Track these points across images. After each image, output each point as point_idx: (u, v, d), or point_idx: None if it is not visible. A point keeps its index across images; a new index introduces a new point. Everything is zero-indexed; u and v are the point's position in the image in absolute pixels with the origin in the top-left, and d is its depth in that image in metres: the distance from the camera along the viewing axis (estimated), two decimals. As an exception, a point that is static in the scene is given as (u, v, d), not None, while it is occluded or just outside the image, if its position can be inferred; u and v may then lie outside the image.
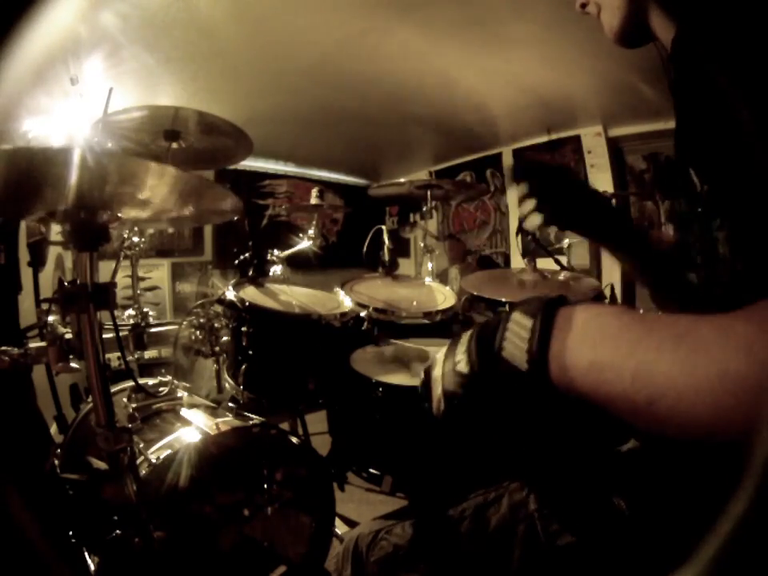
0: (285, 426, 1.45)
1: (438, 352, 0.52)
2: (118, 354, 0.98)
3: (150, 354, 2.05)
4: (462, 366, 0.45)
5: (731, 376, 0.30)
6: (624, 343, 0.37)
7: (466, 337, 0.48)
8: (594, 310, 0.40)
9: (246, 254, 1.49)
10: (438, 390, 0.48)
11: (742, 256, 0.52)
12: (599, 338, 0.38)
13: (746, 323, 0.32)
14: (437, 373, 0.49)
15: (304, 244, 1.76)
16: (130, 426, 0.85)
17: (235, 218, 1.58)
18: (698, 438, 0.34)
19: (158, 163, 0.72)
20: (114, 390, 1.19)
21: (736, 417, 0.30)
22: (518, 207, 0.80)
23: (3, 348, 0.83)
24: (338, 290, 1.43)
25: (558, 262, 1.83)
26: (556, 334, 0.40)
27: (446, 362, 0.48)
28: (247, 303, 1.23)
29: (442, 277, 2.98)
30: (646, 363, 0.35)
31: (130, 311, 1.84)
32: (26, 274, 1.67)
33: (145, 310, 1.80)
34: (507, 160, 4.12)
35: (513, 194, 4.12)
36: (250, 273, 1.44)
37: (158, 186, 0.76)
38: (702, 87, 0.55)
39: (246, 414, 1.15)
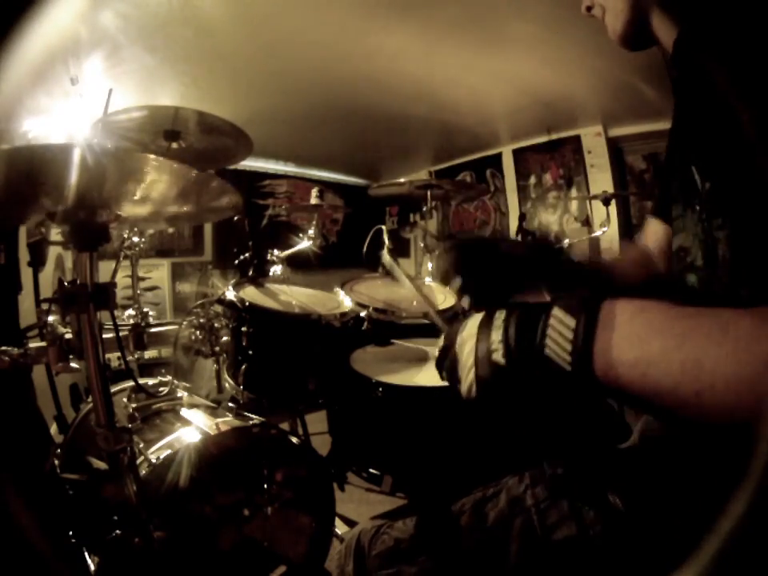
0: (285, 426, 1.45)
1: (462, 327, 0.51)
2: (118, 354, 0.98)
3: (150, 354, 2.05)
4: (499, 356, 0.45)
5: None
6: (671, 337, 0.37)
7: (500, 321, 0.47)
8: (637, 305, 0.41)
9: (246, 254, 1.49)
10: (470, 375, 0.48)
11: (743, 256, 0.52)
12: (645, 334, 0.38)
13: None
14: (467, 356, 0.49)
15: (304, 244, 1.76)
16: (129, 426, 0.85)
17: (235, 218, 1.59)
18: (740, 424, 0.34)
19: (156, 156, 0.72)
20: (114, 390, 1.19)
21: None
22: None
23: (3, 348, 0.83)
24: (337, 289, 1.43)
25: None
26: (600, 332, 0.40)
27: (479, 345, 0.47)
28: (247, 303, 1.23)
29: (442, 277, 2.97)
30: (694, 356, 0.35)
31: (130, 311, 1.83)
32: (26, 274, 1.67)
33: (145, 309, 1.80)
34: (507, 160, 4.12)
35: (513, 196, 4.13)
36: (250, 273, 1.44)
37: (157, 181, 0.76)
38: (704, 88, 0.55)
39: (246, 414, 1.15)
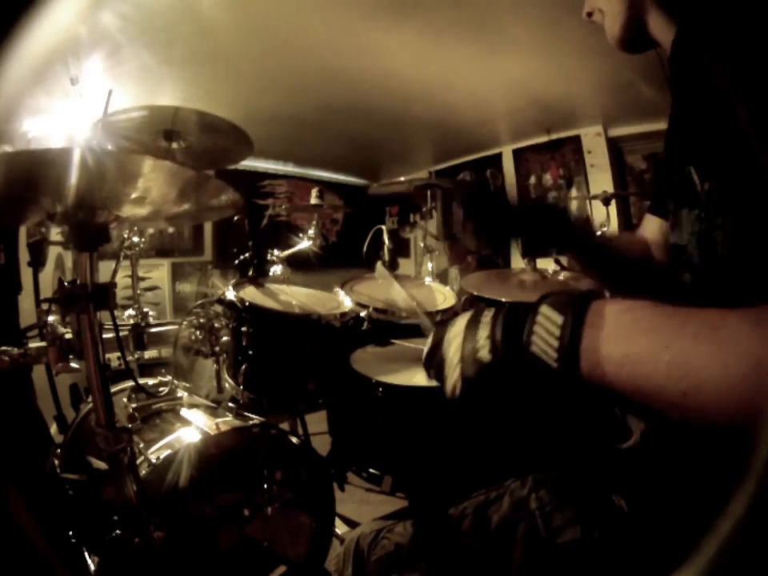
0: (285, 426, 1.45)
1: (450, 326, 0.50)
2: (118, 354, 0.98)
3: (149, 353, 2.05)
4: (484, 354, 0.44)
5: (763, 367, 0.31)
6: (658, 336, 0.37)
7: (487, 320, 0.46)
8: (625, 304, 0.40)
9: (246, 254, 1.49)
10: (455, 374, 0.47)
11: (743, 257, 0.52)
12: (633, 332, 0.38)
13: None
14: (453, 354, 0.48)
15: (304, 244, 1.76)
16: (130, 426, 0.85)
17: (235, 218, 1.59)
18: (728, 426, 0.34)
19: (155, 158, 0.72)
20: (114, 390, 1.19)
21: (765, 405, 0.30)
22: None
23: (3, 348, 0.83)
24: (337, 289, 1.43)
25: (558, 262, 1.82)
26: (587, 329, 0.39)
27: (465, 344, 0.47)
28: (247, 303, 1.23)
29: (441, 277, 2.97)
30: (682, 356, 0.35)
31: (130, 311, 1.84)
32: (26, 274, 1.67)
33: (145, 309, 1.80)
34: (507, 160, 4.12)
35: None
36: (250, 273, 1.44)
37: (156, 182, 0.76)
38: (702, 87, 0.55)
39: (246, 414, 1.15)
